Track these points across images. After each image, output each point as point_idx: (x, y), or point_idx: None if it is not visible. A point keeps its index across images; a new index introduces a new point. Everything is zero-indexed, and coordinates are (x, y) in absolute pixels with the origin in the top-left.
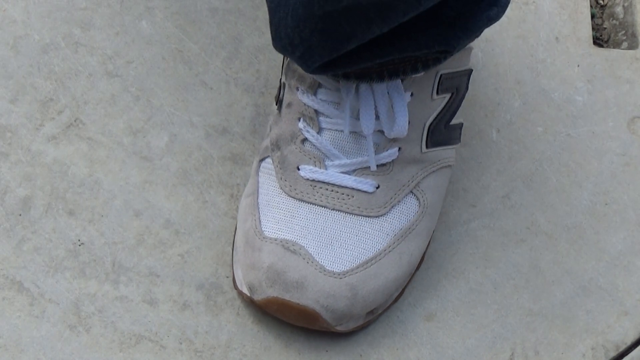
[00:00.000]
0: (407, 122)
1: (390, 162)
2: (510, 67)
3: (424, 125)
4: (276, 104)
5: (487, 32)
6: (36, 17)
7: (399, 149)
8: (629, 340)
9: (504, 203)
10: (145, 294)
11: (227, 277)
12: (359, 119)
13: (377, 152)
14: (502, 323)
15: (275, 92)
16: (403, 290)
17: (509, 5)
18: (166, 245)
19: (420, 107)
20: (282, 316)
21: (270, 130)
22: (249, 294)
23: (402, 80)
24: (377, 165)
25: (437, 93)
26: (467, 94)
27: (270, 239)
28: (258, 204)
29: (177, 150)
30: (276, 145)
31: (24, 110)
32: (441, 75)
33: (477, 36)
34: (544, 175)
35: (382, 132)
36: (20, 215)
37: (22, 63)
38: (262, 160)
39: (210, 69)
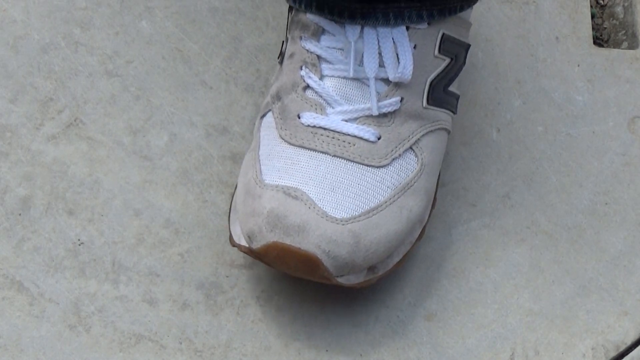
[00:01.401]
0: (412, 66)
1: (391, 113)
2: (511, 67)
3: (427, 79)
4: (278, 59)
5: (487, 32)
6: (36, 17)
7: (401, 99)
8: (629, 340)
9: (504, 202)
10: (145, 293)
11: (227, 276)
12: (362, 65)
13: (379, 100)
14: (502, 323)
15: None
16: (404, 257)
17: (509, 5)
18: (166, 244)
19: (424, 61)
20: (282, 264)
21: (271, 86)
22: (247, 245)
23: (407, 29)
24: (379, 115)
25: (439, 52)
26: (467, 94)
27: (271, 185)
28: (259, 156)
29: (177, 150)
30: (277, 97)
31: (24, 110)
32: (443, 35)
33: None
34: (544, 174)
35: (385, 80)
36: (20, 215)
37: (22, 63)
38: (262, 116)
39: (210, 68)
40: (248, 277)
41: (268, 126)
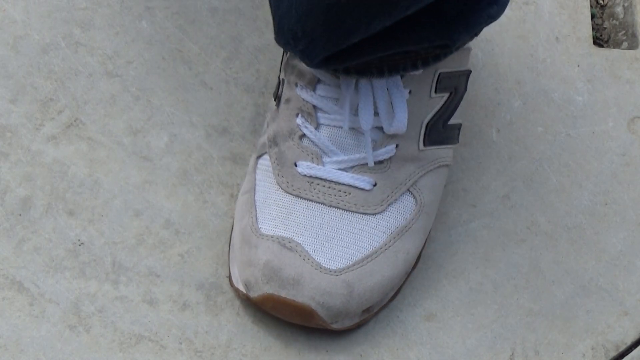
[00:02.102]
0: (406, 118)
1: (387, 160)
2: (510, 67)
3: (422, 122)
4: (274, 100)
5: (487, 32)
6: (36, 17)
7: (397, 146)
8: (629, 340)
9: (504, 203)
10: (145, 294)
11: (227, 277)
12: (357, 115)
13: (374, 148)
14: (502, 323)
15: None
16: (399, 289)
17: (509, 5)
18: (166, 245)
19: (419, 104)
20: (278, 313)
21: (268, 126)
22: (245, 291)
23: (401, 77)
24: (375, 162)
25: (436, 92)
26: (467, 94)
27: (267, 236)
28: (255, 201)
29: (177, 150)
30: (274, 142)
31: (24, 110)
32: (440, 74)
33: (477, 34)
34: (544, 175)
35: (380, 128)
36: (20, 215)
37: (22, 63)
38: (259, 157)
39: (210, 69)
40: None
41: (265, 170)
